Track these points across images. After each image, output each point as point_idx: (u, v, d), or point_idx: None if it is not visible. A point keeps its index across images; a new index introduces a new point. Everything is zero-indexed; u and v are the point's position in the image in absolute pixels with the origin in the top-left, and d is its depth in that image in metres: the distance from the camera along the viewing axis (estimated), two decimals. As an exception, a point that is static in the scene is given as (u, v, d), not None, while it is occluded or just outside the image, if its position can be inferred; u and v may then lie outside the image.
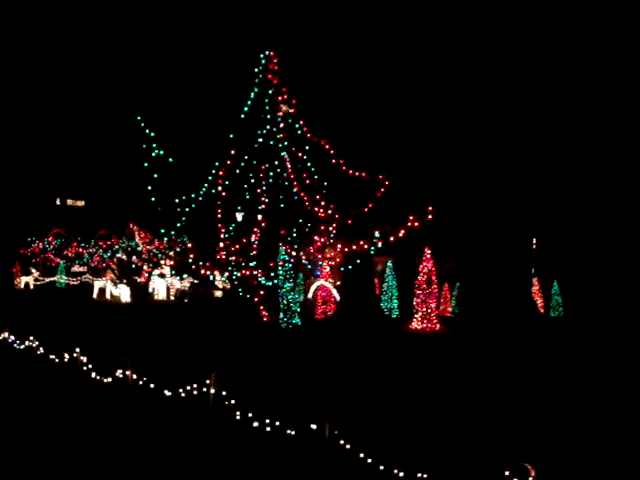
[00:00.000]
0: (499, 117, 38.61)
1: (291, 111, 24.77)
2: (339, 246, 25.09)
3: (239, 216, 25.21)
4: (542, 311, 31.13)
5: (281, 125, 24.67)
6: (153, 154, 22.42)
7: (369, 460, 8.35)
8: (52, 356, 14.40)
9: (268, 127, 24.55)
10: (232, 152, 24.27)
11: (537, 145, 38.81)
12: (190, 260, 24.54)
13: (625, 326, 25.10)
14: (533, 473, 7.36)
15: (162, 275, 32.09)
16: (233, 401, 10.52)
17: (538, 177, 38.48)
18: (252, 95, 24.44)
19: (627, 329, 24.29)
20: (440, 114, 40.22)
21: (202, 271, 24.59)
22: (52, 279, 37.95)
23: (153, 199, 22.33)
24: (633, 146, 36.65)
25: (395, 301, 28.49)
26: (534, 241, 35.93)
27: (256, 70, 24.61)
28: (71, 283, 37.59)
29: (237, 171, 24.54)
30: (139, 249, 35.72)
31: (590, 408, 11.97)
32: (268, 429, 9.60)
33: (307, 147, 25.07)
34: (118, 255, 37.73)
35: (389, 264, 29.43)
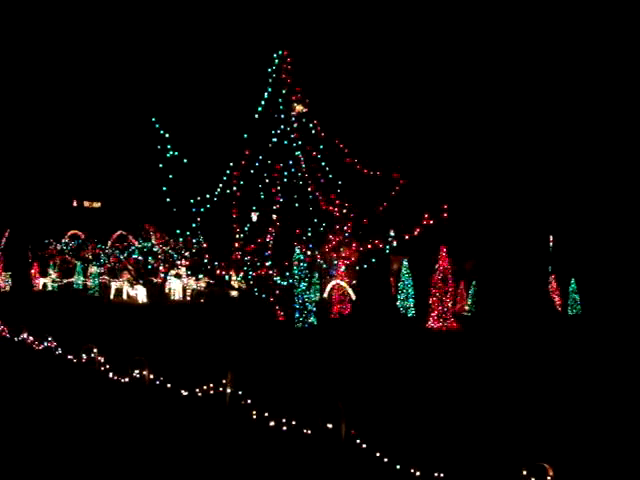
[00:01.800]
0: (515, 115, 38.28)
1: (305, 110, 24.80)
2: (354, 245, 25.07)
3: (254, 216, 25.28)
4: (560, 309, 30.87)
5: (295, 125, 24.70)
6: (168, 155, 22.55)
7: (385, 459, 8.32)
8: (70, 356, 14.51)
9: (282, 127, 24.59)
10: (246, 152, 24.36)
11: (554, 142, 38.42)
12: (205, 260, 24.64)
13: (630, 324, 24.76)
14: (551, 472, 7.30)
15: (178, 275, 32.24)
16: (249, 401, 10.54)
17: (555, 174, 38.11)
18: (266, 95, 24.49)
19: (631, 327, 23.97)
20: (454, 112, 39.98)
21: (217, 271, 24.70)
22: (70, 280, 38.26)
23: (168, 200, 22.46)
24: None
25: (411, 300, 28.39)
26: (551, 239, 35.63)
27: (269, 70, 24.65)
28: (88, 284, 37.85)
29: (252, 171, 24.61)
30: (155, 250, 35.92)
31: (608, 407, 11.85)
32: (284, 428, 9.60)
33: (321, 146, 25.09)
34: (134, 256, 37.93)
35: (404, 263, 29.34)
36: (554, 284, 31.01)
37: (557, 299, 30.79)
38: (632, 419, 11.03)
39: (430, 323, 23.98)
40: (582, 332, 24.22)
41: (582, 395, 12.80)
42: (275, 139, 24.33)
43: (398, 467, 8.14)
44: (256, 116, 24.24)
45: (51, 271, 38.22)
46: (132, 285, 32.65)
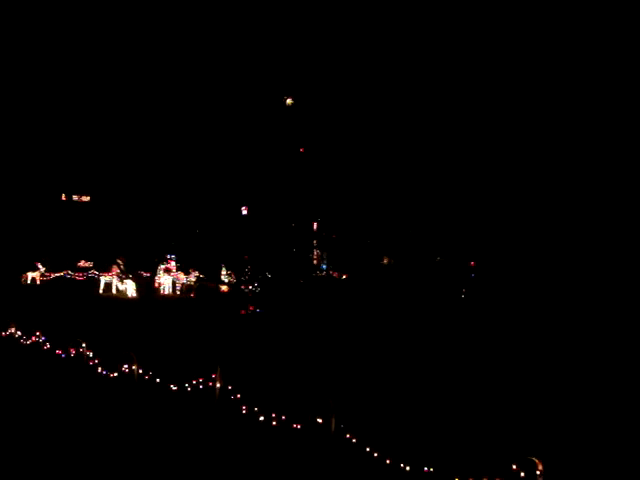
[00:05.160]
0: (496, 120, 38.02)
1: (294, 102, 24.78)
2: (343, 240, 25.07)
3: (244, 210, 25.24)
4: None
5: (286, 118, 24.68)
6: (157, 148, 22.44)
7: (375, 454, 8.32)
8: (59, 351, 14.41)
9: (273, 119, 24.56)
10: (236, 145, 24.29)
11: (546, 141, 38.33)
12: (195, 254, 24.57)
13: (631, 321, 24.85)
14: (540, 467, 7.32)
15: (168, 270, 32.07)
16: (239, 395, 10.50)
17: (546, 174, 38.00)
18: (256, 89, 24.43)
19: (632, 324, 24.05)
20: (442, 109, 39.78)
21: (206, 265, 24.65)
22: (59, 274, 37.93)
23: (158, 193, 22.34)
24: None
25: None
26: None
27: (260, 64, 24.59)
28: (77, 278, 37.50)
29: (242, 164, 24.56)
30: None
31: (597, 402, 11.90)
32: (274, 423, 9.58)
33: (312, 140, 25.08)
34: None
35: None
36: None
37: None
38: (619, 414, 11.09)
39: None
40: (570, 327, 24.27)
41: (571, 390, 12.85)
42: (265, 132, 24.34)
43: (388, 462, 8.14)
44: (246, 110, 24.24)
45: (39, 265, 37.87)
46: (121, 279, 32.44)
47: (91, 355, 13.45)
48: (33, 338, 15.65)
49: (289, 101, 24.50)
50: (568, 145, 33.00)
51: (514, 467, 7.39)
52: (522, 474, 7.33)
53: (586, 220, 32.23)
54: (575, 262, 32.42)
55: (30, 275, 37.39)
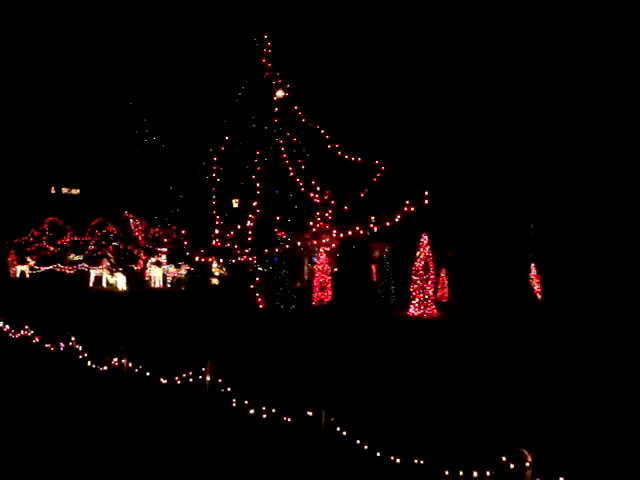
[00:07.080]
0: (493, 102, 38.25)
1: (286, 95, 24.66)
2: (335, 232, 25.02)
3: (234, 202, 25.15)
4: (539, 297, 31.06)
5: (275, 110, 24.56)
6: (146, 140, 22.32)
7: (366, 447, 8.32)
8: (48, 345, 14.32)
9: (263, 112, 24.44)
10: (226, 137, 24.16)
11: (534, 130, 38.50)
12: (185, 247, 24.49)
13: (617, 312, 25.00)
14: (530, 459, 7.33)
15: (158, 263, 31.96)
16: (229, 389, 10.47)
17: (535, 161, 38.21)
18: (246, 80, 24.31)
19: (619, 315, 24.20)
20: (435, 97, 39.83)
21: (197, 258, 24.56)
22: (48, 268, 37.73)
23: (148, 186, 22.26)
24: (629, 135, 36.35)
25: (392, 287, 28.41)
26: (531, 226, 35.78)
27: (250, 55, 24.46)
28: (67, 272, 37.33)
29: (232, 157, 24.46)
30: (135, 237, 35.57)
31: (586, 394, 11.96)
32: (264, 417, 9.56)
33: (302, 132, 24.99)
34: (114, 243, 37.53)
35: (386, 250, 29.32)
36: (534, 271, 31.17)
37: (537, 287, 30.88)
38: (608, 405, 11.14)
39: (411, 310, 24.03)
40: (560, 319, 24.37)
41: (560, 382, 12.91)
42: (255, 125, 24.22)
43: (378, 454, 8.14)
44: (236, 101, 24.11)
45: (29, 259, 37.65)
46: (111, 273, 32.30)
47: (80, 349, 13.38)
48: (22, 332, 15.55)
49: (280, 93, 24.38)
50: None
51: (503, 459, 7.40)
52: (512, 466, 7.34)
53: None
54: (561, 256, 32.63)
55: (19, 268, 37.19)
